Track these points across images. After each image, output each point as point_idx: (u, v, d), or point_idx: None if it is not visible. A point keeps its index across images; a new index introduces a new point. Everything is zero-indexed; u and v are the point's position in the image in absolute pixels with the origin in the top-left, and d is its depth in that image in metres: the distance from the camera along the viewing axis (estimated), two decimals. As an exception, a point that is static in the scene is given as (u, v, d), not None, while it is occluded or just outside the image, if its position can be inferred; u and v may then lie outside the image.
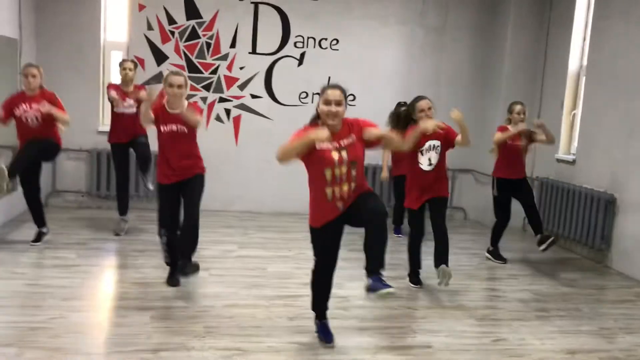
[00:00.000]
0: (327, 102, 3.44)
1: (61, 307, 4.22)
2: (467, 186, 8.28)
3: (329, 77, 7.86)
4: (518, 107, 5.95)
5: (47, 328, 3.83)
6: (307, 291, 4.85)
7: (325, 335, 3.86)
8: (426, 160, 4.96)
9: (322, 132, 3.35)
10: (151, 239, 5.83)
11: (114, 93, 6.10)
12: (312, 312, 3.96)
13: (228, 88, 7.70)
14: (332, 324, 4.21)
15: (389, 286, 3.38)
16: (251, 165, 7.79)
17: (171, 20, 7.50)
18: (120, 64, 6.22)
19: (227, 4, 7.55)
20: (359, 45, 7.89)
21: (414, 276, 5.21)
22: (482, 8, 8.05)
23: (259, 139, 7.77)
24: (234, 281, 5.01)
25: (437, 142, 4.96)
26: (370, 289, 3.41)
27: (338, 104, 3.43)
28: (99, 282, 4.85)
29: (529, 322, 4.50)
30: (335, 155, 3.44)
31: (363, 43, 7.90)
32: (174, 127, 4.53)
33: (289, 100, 7.85)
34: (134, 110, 6.08)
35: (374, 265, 3.46)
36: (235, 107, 7.76)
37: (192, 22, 7.54)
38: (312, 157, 3.47)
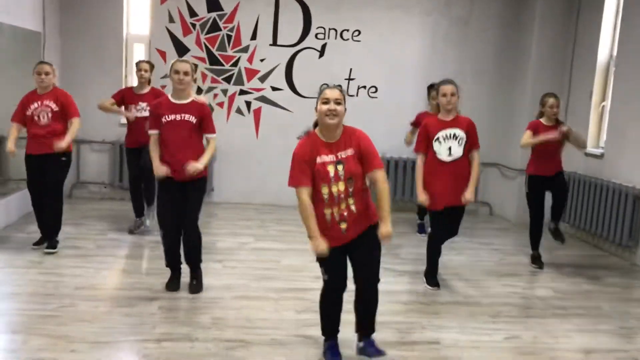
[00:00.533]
0: (326, 101, 3.20)
1: (73, 296, 4.27)
2: (493, 180, 8.08)
3: (351, 69, 7.83)
4: (551, 100, 5.54)
5: (55, 316, 3.88)
6: (317, 284, 4.84)
7: (332, 356, 3.50)
8: (445, 150, 4.64)
9: (321, 247, 3.17)
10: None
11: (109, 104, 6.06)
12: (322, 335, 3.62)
13: (249, 80, 7.69)
14: (345, 318, 4.13)
15: (382, 353, 3.40)
16: (272, 158, 7.76)
17: (192, 13, 7.51)
18: (137, 65, 6.16)
19: (248, -4, 7.54)
20: (381, 36, 7.77)
21: (432, 277, 4.98)
22: (508, -2, 7.85)
23: (280, 131, 7.73)
24: (246, 273, 4.99)
25: (460, 133, 4.63)
26: (362, 353, 3.43)
27: (337, 102, 3.20)
28: (112, 272, 4.88)
29: (545, 319, 4.36)
30: (331, 170, 3.21)
31: (385, 34, 7.78)
32: (178, 117, 4.33)
33: (310, 92, 7.77)
34: (146, 113, 5.99)
35: (364, 328, 3.50)
36: (255, 99, 7.74)
37: (213, 14, 7.54)
38: (313, 168, 3.25)
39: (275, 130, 7.73)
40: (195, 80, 4.58)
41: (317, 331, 3.88)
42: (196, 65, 5.44)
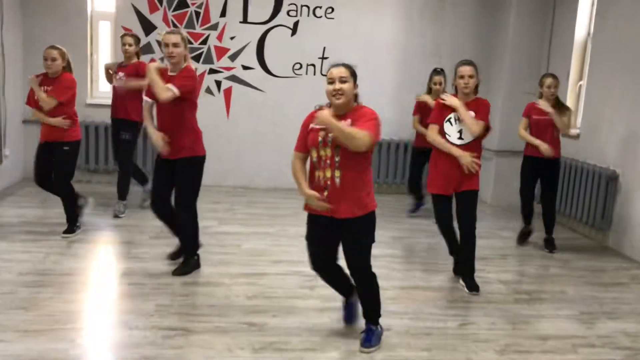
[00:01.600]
0: (331, 81, 3.16)
1: (14, 282, 4.10)
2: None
3: (324, 48, 7.62)
4: (548, 80, 5.39)
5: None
6: (275, 269, 4.71)
7: (345, 313, 3.69)
8: (455, 132, 4.30)
9: (309, 193, 3.21)
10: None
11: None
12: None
13: (218, 59, 7.47)
14: (294, 303, 4.04)
15: (377, 344, 3.43)
16: (243, 139, 7.59)
17: (159, -11, 7.27)
18: (121, 38, 6.00)
19: (216, -29, 7.29)
20: (355, 12, 7.55)
21: (469, 277, 4.53)
22: (486, -28, 7.62)
23: (251, 111, 7.56)
24: (203, 258, 4.80)
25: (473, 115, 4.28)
26: (362, 344, 3.42)
27: (342, 81, 3.13)
28: (58, 257, 4.66)
29: (505, 305, 4.23)
30: (321, 135, 3.18)
31: (359, 11, 7.56)
32: None
33: (282, 72, 7.59)
34: (120, 83, 5.88)
35: (367, 315, 3.52)
36: (226, 78, 7.53)
37: (181, -10, 7.31)
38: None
39: (247, 111, 7.54)
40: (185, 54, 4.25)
41: (265, 318, 3.77)
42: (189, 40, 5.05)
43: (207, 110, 7.41)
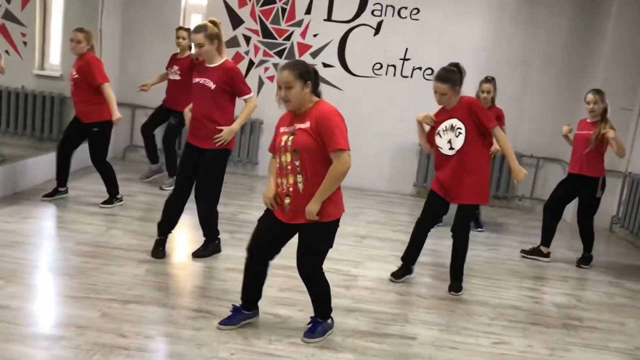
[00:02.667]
0: (278, 86, 3.10)
1: (69, 250, 4.39)
2: (554, 176, 7.46)
3: (406, 49, 7.50)
4: (588, 96, 5.21)
5: (41, 267, 4.01)
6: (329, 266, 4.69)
7: (227, 318, 3.42)
8: (445, 144, 4.24)
9: (267, 194, 3.26)
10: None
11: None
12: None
13: (300, 55, 7.56)
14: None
15: (311, 337, 3.36)
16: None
17: (249, -16, 7.48)
18: (176, 32, 6.32)
19: (305, -31, 7.38)
20: (441, 15, 7.37)
21: (401, 269, 4.53)
22: (587, -22, 7.16)
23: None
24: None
25: (458, 123, 4.16)
26: (304, 334, 3.38)
27: (287, 86, 3.03)
28: (121, 232, 4.94)
29: (550, 329, 3.95)
30: (283, 140, 3.13)
31: (446, 13, 7.37)
32: (200, 81, 4.28)
33: (362, 71, 7.55)
34: (177, 77, 6.19)
35: (314, 309, 3.45)
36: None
37: (270, -13, 7.47)
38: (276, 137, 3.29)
39: (324, 108, 7.57)
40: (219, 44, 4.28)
41: (291, 311, 3.78)
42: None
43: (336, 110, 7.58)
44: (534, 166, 7.50)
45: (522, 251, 5.56)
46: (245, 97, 4.35)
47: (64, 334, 3.13)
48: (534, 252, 5.48)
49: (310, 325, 3.43)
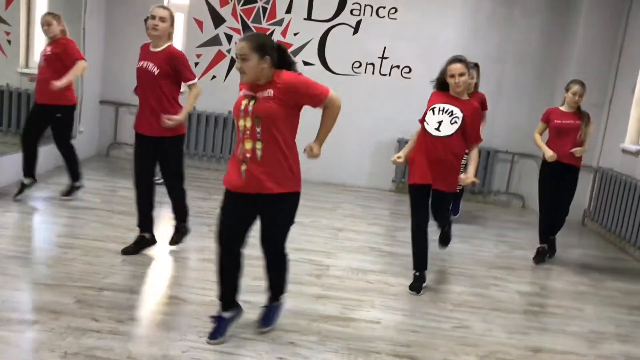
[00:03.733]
0: (236, 57, 3.07)
1: (49, 241, 4.53)
2: (528, 172, 7.65)
3: (385, 47, 7.66)
4: (575, 87, 5.17)
5: (23, 258, 4.14)
6: (291, 256, 4.82)
7: (214, 330, 3.29)
8: (434, 122, 4.22)
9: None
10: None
11: None
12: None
13: (281, 54, 7.69)
14: (295, 288, 4.14)
15: (268, 324, 3.46)
16: (299, 133, 7.75)
17: (230, -16, 7.62)
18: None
19: (285, -31, 7.53)
20: (419, 14, 7.53)
21: (416, 281, 4.40)
22: (559, -22, 7.35)
23: (308, 106, 7.71)
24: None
25: (457, 110, 4.17)
26: (261, 324, 3.45)
27: (243, 59, 2.99)
28: (101, 225, 5.07)
29: (511, 314, 4.12)
30: (244, 103, 3.06)
31: (423, 12, 7.53)
32: (144, 64, 4.20)
33: (342, 69, 7.71)
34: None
35: (270, 290, 3.55)
36: (286, 73, 7.75)
37: (251, -14, 7.62)
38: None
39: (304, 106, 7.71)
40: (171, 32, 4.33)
41: (261, 298, 3.90)
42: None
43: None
44: (509, 162, 7.69)
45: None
46: (189, 82, 4.30)
47: (38, 319, 3.27)
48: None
49: (265, 312, 3.48)
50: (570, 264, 5.47)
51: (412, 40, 7.55)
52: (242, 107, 3.07)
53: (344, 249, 5.21)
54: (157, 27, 4.19)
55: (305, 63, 7.70)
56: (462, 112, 4.21)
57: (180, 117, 4.23)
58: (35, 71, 5.70)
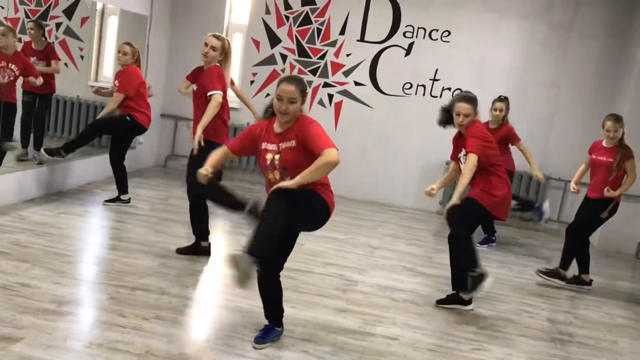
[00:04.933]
0: (279, 98, 3.14)
1: (95, 242, 4.83)
2: (580, 200, 7.42)
3: (436, 70, 7.70)
4: (608, 124, 5.16)
5: (66, 255, 4.43)
6: (322, 269, 4.93)
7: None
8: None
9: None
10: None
11: None
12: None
13: (333, 74, 7.88)
14: (319, 301, 4.24)
15: (258, 343, 3.43)
16: (348, 151, 7.85)
17: (287, 6, 7.88)
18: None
19: (340, -9, 7.73)
20: (472, 38, 7.53)
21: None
22: (618, 4, 7.17)
23: (358, 126, 7.85)
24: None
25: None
26: (254, 340, 3.45)
27: (291, 101, 3.11)
28: (147, 230, 5.33)
29: (536, 341, 4.04)
30: (269, 158, 3.20)
31: (477, 36, 7.53)
32: (194, 87, 4.80)
33: (392, 90, 7.79)
34: None
35: (266, 313, 3.56)
36: (338, 92, 7.92)
37: (307, 8, 7.85)
38: (257, 154, 3.32)
39: (354, 124, 7.85)
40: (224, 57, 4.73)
41: (284, 306, 4.01)
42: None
43: (318, 121, 7.90)
44: (562, 189, 7.49)
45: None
46: (209, 94, 4.54)
47: (72, 310, 3.52)
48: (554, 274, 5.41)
49: (263, 330, 3.51)
50: (614, 297, 5.29)
51: (465, 63, 7.55)
52: (269, 163, 3.20)
53: (376, 266, 5.25)
54: (207, 55, 4.62)
55: (357, 83, 7.84)
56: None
57: (197, 133, 4.51)
58: (104, 85, 6.17)
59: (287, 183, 3.06)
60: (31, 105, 6.14)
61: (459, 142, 4.56)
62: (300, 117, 3.22)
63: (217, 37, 4.70)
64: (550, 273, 5.36)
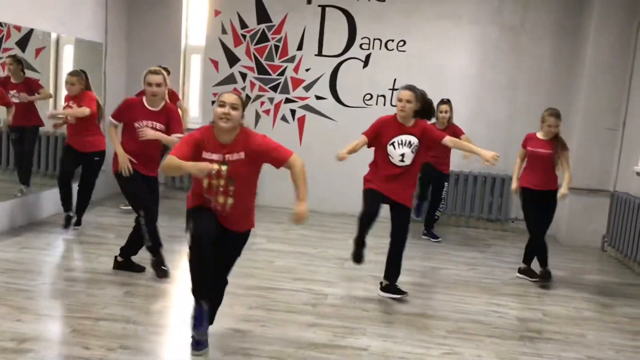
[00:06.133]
0: (222, 104, 3.29)
1: (59, 275, 4.74)
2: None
3: (395, 79, 7.78)
4: (551, 120, 5.34)
5: (29, 291, 4.34)
6: (292, 285, 4.91)
7: (198, 321, 3.44)
8: (397, 156, 4.61)
9: (204, 168, 3.23)
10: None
11: None
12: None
13: (294, 89, 7.92)
14: (288, 317, 4.21)
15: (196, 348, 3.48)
16: (314, 165, 7.80)
17: (243, 25, 7.91)
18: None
19: (295, 8, 7.78)
20: (427, 46, 7.65)
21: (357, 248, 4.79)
22: (566, 4, 7.36)
23: (323, 139, 7.86)
24: (233, 271, 5.14)
25: (414, 139, 4.60)
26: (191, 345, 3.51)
27: (233, 107, 3.28)
28: (107, 259, 5.19)
29: (505, 341, 4.08)
30: (215, 167, 3.28)
31: (432, 44, 7.64)
32: (149, 124, 4.72)
33: (353, 102, 7.85)
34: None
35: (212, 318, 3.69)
36: (300, 107, 7.95)
37: (263, 26, 7.88)
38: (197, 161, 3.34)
39: (318, 138, 7.87)
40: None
41: (253, 326, 4.00)
42: (168, 72, 6.04)
43: (282, 137, 7.67)
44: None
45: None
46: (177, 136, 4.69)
47: (32, 347, 3.43)
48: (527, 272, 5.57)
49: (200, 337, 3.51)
50: (581, 290, 5.37)
51: (422, 71, 7.63)
52: (214, 172, 3.29)
53: (346, 278, 5.26)
54: (155, 94, 4.75)
55: (318, 97, 7.88)
56: (415, 137, 4.63)
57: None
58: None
59: (304, 207, 3.33)
60: (18, 142, 6.26)
61: (390, 130, 4.63)
62: (245, 130, 3.40)
63: (156, 73, 4.76)
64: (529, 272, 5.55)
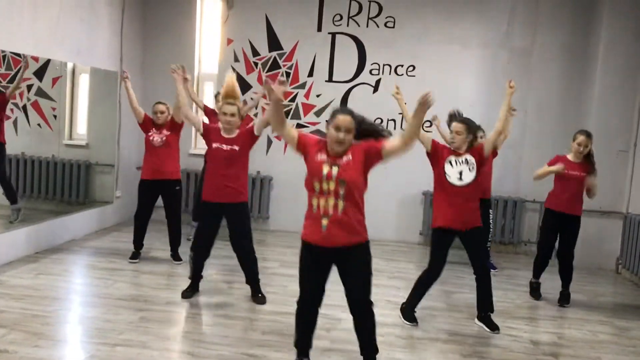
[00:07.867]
0: (337, 128, 3.35)
1: (75, 301, 4.79)
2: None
3: (405, 104, 7.83)
4: (580, 138, 5.39)
5: (45, 317, 4.39)
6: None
7: None
8: (455, 173, 4.60)
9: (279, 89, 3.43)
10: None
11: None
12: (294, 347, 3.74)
13: (305, 115, 8.02)
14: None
15: None
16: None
17: (255, 52, 8.05)
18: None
19: (306, 35, 7.91)
20: (437, 70, 7.73)
21: (409, 311, 4.81)
22: (574, 26, 7.43)
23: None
24: (243, 294, 5.19)
25: (472, 160, 4.63)
26: None
27: (348, 130, 3.34)
28: (126, 285, 5.31)
29: (521, 364, 4.07)
30: (325, 169, 3.34)
31: (441, 68, 7.73)
32: (224, 147, 4.88)
33: (364, 127, 7.91)
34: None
35: (363, 349, 3.67)
36: (311, 132, 8.01)
37: (274, 54, 8.02)
38: (307, 165, 3.45)
39: (329, 163, 7.93)
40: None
41: (268, 352, 4.02)
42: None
43: (293, 163, 7.82)
44: (537, 211, 7.60)
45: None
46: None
47: (51, 373, 3.48)
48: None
49: None
50: (596, 313, 5.34)
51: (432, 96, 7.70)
52: (325, 173, 3.34)
53: (359, 302, 5.25)
54: (229, 123, 4.88)
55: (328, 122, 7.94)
56: (473, 157, 4.71)
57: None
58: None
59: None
60: None
61: (444, 153, 4.70)
62: (354, 145, 3.44)
63: (231, 104, 4.88)
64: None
